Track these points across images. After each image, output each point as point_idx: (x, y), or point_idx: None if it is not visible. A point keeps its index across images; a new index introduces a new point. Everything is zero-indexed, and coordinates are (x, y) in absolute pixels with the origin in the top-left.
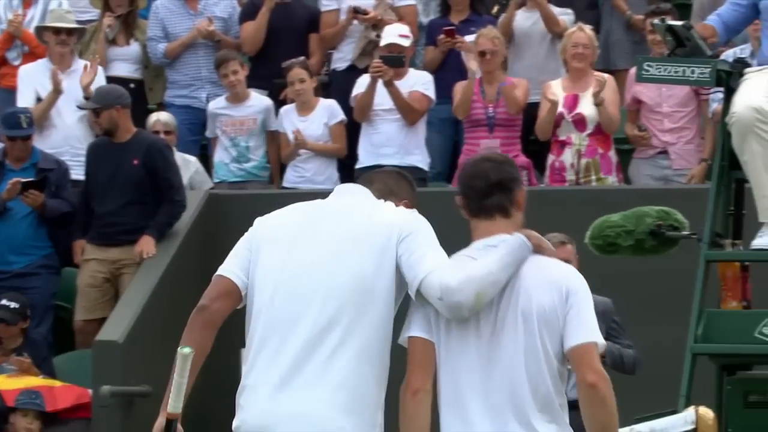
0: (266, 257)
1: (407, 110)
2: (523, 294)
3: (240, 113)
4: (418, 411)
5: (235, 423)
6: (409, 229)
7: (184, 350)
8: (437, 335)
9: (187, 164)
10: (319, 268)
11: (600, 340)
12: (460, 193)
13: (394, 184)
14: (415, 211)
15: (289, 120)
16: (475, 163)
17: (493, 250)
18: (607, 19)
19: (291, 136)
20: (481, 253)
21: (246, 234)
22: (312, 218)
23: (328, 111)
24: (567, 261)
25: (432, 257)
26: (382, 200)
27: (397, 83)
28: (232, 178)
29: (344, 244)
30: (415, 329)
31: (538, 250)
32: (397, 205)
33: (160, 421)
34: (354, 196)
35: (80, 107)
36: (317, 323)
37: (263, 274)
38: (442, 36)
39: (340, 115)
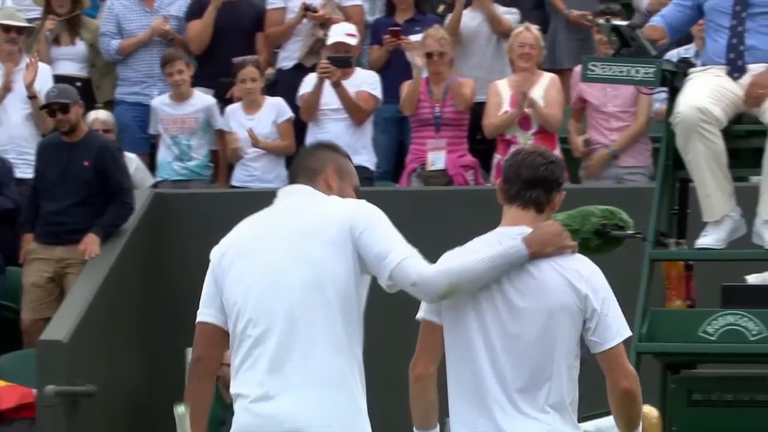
0: (233, 278)
1: (355, 110)
2: (541, 289)
3: (181, 111)
4: (423, 395)
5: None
6: (365, 222)
7: (179, 410)
8: (446, 320)
9: (129, 162)
10: (280, 274)
11: (627, 332)
12: (504, 176)
13: (324, 158)
14: (363, 202)
15: (236, 119)
16: (527, 153)
17: (497, 246)
18: (554, 19)
19: (238, 135)
20: (501, 242)
21: (208, 270)
22: (264, 229)
23: (275, 109)
24: None
25: (401, 246)
26: (328, 193)
27: (344, 83)
28: (175, 176)
29: (300, 243)
30: (423, 310)
31: (555, 252)
32: (347, 192)
33: None
34: (300, 196)
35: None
36: (286, 327)
37: (234, 294)
38: (387, 36)
39: (288, 113)
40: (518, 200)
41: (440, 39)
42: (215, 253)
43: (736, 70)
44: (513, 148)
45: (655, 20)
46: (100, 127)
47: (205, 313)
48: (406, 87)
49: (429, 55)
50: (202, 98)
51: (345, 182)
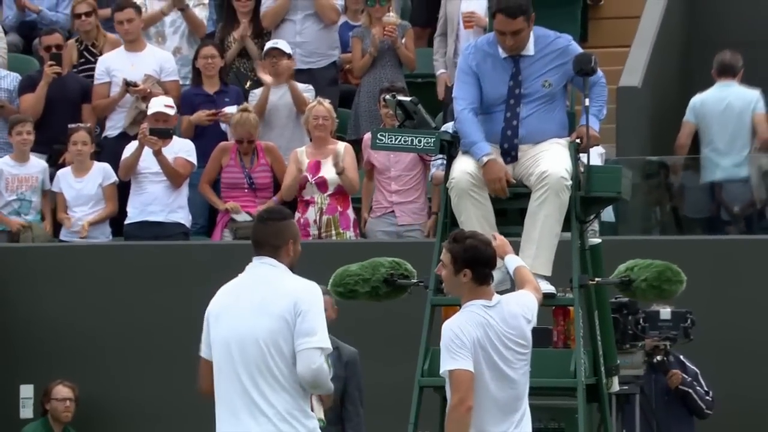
0: (214, 329)
1: (173, 175)
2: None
3: (24, 171)
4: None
5: None
6: (307, 304)
7: None
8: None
9: None
10: (241, 332)
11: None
12: (468, 267)
13: (285, 235)
14: (313, 285)
15: (66, 181)
16: (482, 243)
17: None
18: (358, 93)
19: (66, 196)
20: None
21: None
22: (236, 293)
23: (102, 173)
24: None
25: (318, 336)
26: (288, 260)
27: (163, 150)
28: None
29: (258, 310)
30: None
31: None
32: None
33: None
34: (266, 267)
35: None
36: (245, 376)
37: (213, 340)
38: (206, 112)
39: (113, 177)
40: (486, 281)
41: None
42: (207, 313)
43: (508, 157)
44: (311, 208)
45: (465, 117)
46: None
47: (204, 352)
48: (217, 157)
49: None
50: (38, 161)
51: (297, 244)
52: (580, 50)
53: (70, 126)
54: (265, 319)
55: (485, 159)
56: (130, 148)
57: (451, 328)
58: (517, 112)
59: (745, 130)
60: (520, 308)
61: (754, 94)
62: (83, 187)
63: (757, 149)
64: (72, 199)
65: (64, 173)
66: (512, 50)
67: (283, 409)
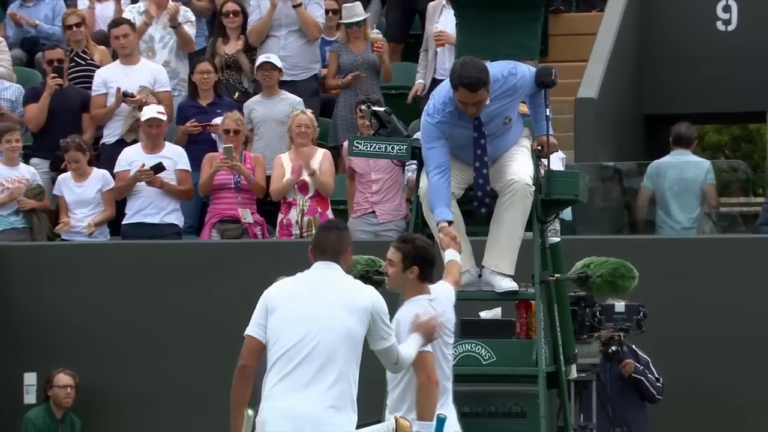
0: (283, 310)
1: (182, 194)
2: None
3: (16, 174)
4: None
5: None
6: (381, 310)
7: (249, 412)
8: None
9: None
10: (316, 323)
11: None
12: (417, 265)
13: (344, 242)
14: (375, 292)
15: (67, 186)
16: (428, 244)
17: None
18: (337, 103)
19: (67, 200)
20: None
21: (261, 300)
22: (307, 287)
23: (102, 179)
24: None
25: (392, 335)
26: (346, 267)
27: (161, 158)
28: (9, 226)
29: (335, 308)
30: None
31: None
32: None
33: None
34: (330, 271)
35: None
36: (315, 362)
37: (278, 326)
38: (194, 121)
39: (111, 183)
40: (431, 279)
41: (237, 120)
42: (269, 292)
43: (482, 207)
44: (293, 209)
45: (435, 183)
46: None
47: (253, 331)
48: (206, 164)
49: (227, 132)
50: (26, 166)
51: (352, 253)
52: (527, 77)
53: (60, 142)
54: (344, 314)
55: (440, 224)
56: (126, 155)
57: (408, 315)
58: (485, 161)
59: (696, 196)
60: (449, 301)
61: (705, 164)
62: (84, 192)
63: (706, 214)
64: (73, 202)
65: (65, 178)
66: (474, 115)
67: (338, 397)
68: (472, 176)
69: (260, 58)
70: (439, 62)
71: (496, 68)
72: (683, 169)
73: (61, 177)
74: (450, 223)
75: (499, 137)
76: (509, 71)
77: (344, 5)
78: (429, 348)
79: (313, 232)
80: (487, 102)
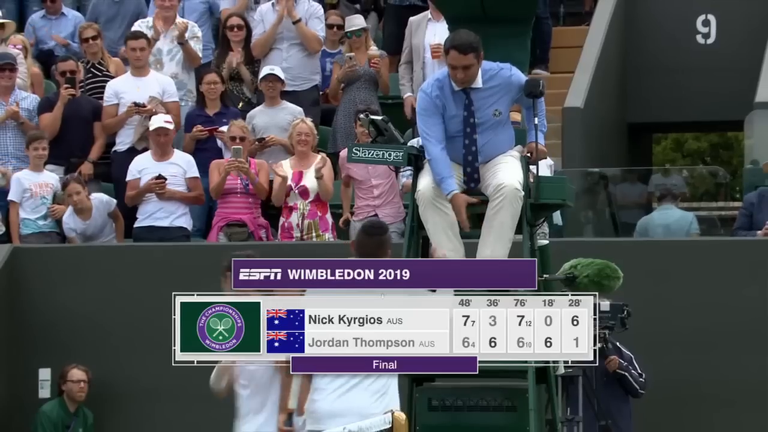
0: None
1: (194, 200)
2: None
3: (42, 179)
4: None
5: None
6: None
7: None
8: None
9: None
10: None
11: None
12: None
13: (386, 246)
14: None
15: (74, 221)
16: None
17: None
18: (337, 113)
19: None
20: None
21: None
22: None
23: (103, 205)
24: None
25: None
26: None
27: (168, 165)
28: (38, 230)
29: None
30: None
31: None
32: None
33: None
34: None
35: None
36: None
37: None
38: (200, 126)
39: (113, 204)
40: None
41: (242, 127)
42: None
43: (472, 181)
44: (294, 213)
45: (437, 155)
46: None
47: None
48: (214, 171)
49: (233, 139)
50: (49, 172)
51: (390, 256)
52: (521, 77)
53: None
54: None
55: (450, 194)
56: (137, 163)
57: None
58: (475, 138)
59: None
60: None
61: (689, 216)
62: (88, 228)
63: None
64: (81, 232)
65: (69, 214)
66: (463, 83)
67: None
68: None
69: (264, 70)
70: (429, 74)
71: (492, 62)
72: (670, 223)
73: (66, 215)
74: (453, 196)
75: (490, 130)
76: (504, 66)
77: (347, 18)
78: None
79: (314, 234)
80: (479, 83)
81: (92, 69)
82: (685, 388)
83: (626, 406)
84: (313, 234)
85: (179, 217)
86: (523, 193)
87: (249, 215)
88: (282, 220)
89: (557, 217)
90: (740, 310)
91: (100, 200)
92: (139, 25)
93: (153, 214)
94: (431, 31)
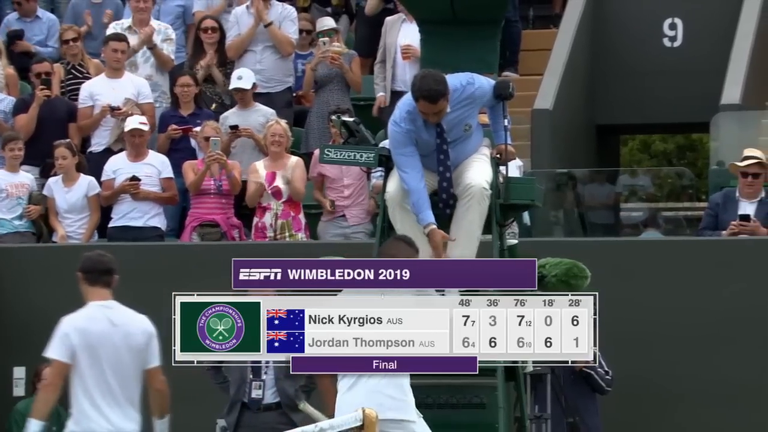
0: None
1: (168, 201)
2: None
3: (17, 180)
4: None
5: None
6: None
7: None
8: None
9: None
10: None
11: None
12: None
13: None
14: None
15: (57, 188)
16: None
17: None
18: (310, 114)
19: (57, 204)
20: None
21: None
22: None
23: (87, 186)
24: None
25: None
26: None
27: (143, 165)
28: (13, 230)
29: None
30: None
31: None
32: None
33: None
34: None
35: None
36: None
37: None
38: (174, 126)
39: (97, 188)
40: None
41: (215, 128)
42: None
43: (447, 208)
44: (268, 213)
45: (415, 187)
46: None
47: None
48: (188, 170)
49: (206, 139)
50: (25, 173)
51: None
52: (485, 87)
53: (54, 143)
54: None
55: (428, 229)
56: (112, 161)
57: None
58: (448, 165)
59: None
60: None
61: None
62: (72, 197)
63: None
64: (61, 204)
65: (55, 181)
66: (436, 122)
67: None
68: (437, 180)
69: (233, 82)
70: (400, 74)
71: (455, 79)
72: None
73: (51, 180)
74: (431, 231)
75: (461, 143)
76: (467, 81)
77: (317, 19)
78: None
79: (287, 234)
80: (448, 110)
81: (72, 70)
82: (651, 385)
83: (593, 403)
84: (287, 234)
85: (153, 217)
86: (490, 191)
87: (222, 215)
88: (255, 220)
89: (525, 217)
90: (705, 310)
91: (88, 179)
92: (114, 27)
93: (127, 214)
94: (404, 33)
